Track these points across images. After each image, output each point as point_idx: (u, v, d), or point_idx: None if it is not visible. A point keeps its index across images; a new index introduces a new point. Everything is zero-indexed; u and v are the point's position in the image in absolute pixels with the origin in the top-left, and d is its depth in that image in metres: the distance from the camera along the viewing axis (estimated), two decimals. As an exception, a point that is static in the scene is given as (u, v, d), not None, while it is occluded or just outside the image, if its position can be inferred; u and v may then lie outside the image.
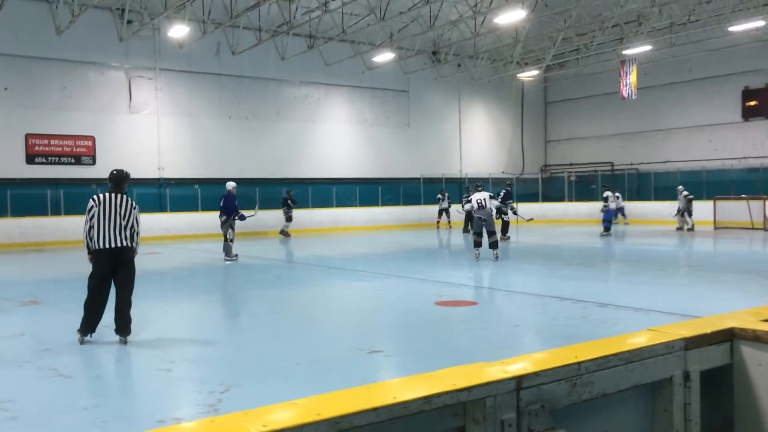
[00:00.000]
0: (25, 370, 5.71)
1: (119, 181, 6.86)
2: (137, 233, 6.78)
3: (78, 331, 6.59)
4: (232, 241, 14.59)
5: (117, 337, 6.60)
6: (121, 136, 22.64)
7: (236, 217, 14.38)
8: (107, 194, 6.68)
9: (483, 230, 14.06)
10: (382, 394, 1.58)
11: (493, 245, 14.01)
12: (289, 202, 23.34)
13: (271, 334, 7.34)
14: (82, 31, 21.35)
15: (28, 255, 17.99)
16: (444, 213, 26.46)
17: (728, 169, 27.05)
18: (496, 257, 13.97)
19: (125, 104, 23.04)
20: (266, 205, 24.15)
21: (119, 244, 6.55)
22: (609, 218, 21.15)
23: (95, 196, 6.66)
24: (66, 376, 5.53)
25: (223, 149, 24.90)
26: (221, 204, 14.45)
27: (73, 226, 20.75)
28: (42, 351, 6.41)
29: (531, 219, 21.03)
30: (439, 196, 26.67)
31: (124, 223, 6.59)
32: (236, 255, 14.87)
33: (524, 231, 23.19)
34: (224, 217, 14.36)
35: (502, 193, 18.99)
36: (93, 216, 6.59)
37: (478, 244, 14.27)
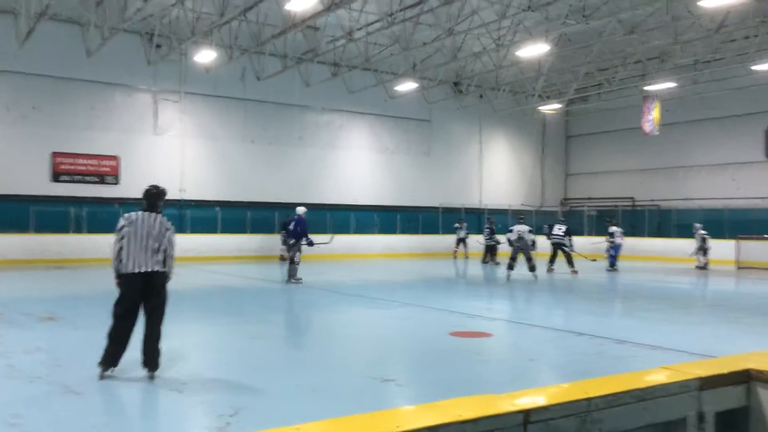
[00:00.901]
0: (36, 385, 5.75)
1: (154, 198, 6.27)
2: (171, 257, 6.17)
3: (99, 364, 5.89)
4: (298, 263, 14.89)
5: (142, 371, 5.98)
6: (145, 156, 22.97)
7: (306, 242, 14.70)
8: (140, 213, 6.14)
9: (517, 255, 17.06)
10: (387, 422, 1.57)
11: (532, 269, 16.97)
12: (288, 227, 23.43)
13: (285, 358, 7.32)
14: (111, 54, 21.82)
15: (48, 272, 18.19)
16: (462, 243, 26.35)
17: (752, 208, 26.70)
18: (536, 278, 16.94)
19: (150, 126, 23.41)
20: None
21: (150, 269, 5.97)
22: (616, 253, 21.04)
23: (126, 215, 6.13)
24: (77, 392, 5.54)
25: (245, 173, 25.13)
26: (291, 227, 14.83)
27: (95, 244, 21.04)
28: (55, 366, 6.45)
29: (594, 260, 22.34)
30: (457, 225, 26.60)
31: (156, 245, 6.02)
32: (301, 278, 15.12)
33: (541, 264, 23.03)
34: (293, 240, 14.71)
35: (564, 228, 20.15)
36: (123, 236, 6.01)
37: (511, 267, 17.16)
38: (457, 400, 1.78)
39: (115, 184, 22.63)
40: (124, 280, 6.01)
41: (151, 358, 5.97)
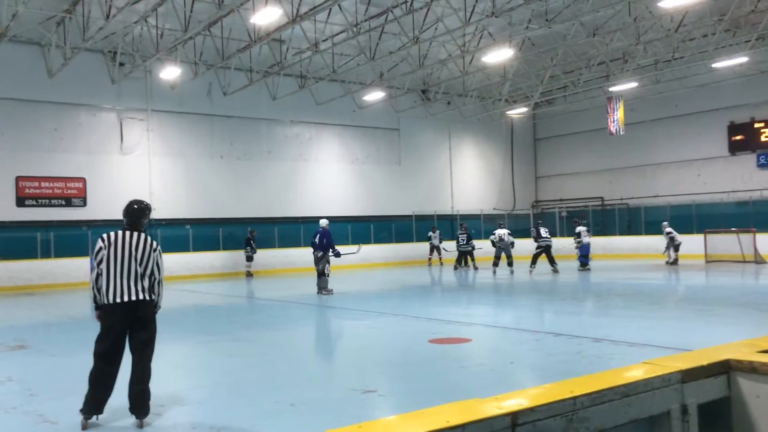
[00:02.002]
0: (11, 416, 5.59)
1: (137, 215, 5.44)
2: (160, 282, 5.39)
3: (81, 411, 5.10)
4: (329, 275, 15.24)
5: (130, 417, 5.23)
6: (112, 177, 22.64)
7: (333, 254, 15.02)
8: (120, 233, 5.31)
9: (502, 254, 20.67)
10: (375, 432, 1.55)
11: (510, 264, 20.62)
12: (252, 242, 23.45)
13: (263, 375, 7.23)
14: (74, 74, 21.51)
15: (17, 298, 17.78)
16: (435, 250, 26.51)
17: (717, 203, 27.25)
18: (512, 272, 20.06)
19: (116, 145, 23.09)
20: (259, 244, 24.12)
21: (135, 297, 5.14)
22: (585, 253, 21.37)
23: (105, 235, 5.28)
24: (52, 422, 5.40)
25: (215, 189, 24.91)
26: (316, 241, 15.06)
27: (63, 269, 20.68)
28: (29, 396, 6.28)
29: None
30: (431, 233, 26.76)
31: (141, 270, 5.21)
32: (332, 289, 15.38)
33: (517, 267, 23.22)
34: (321, 253, 15.00)
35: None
36: (102, 261, 5.19)
37: (495, 264, 20.86)
38: (444, 406, 1.76)
39: (83, 206, 22.25)
40: (104, 312, 5.17)
41: (139, 403, 5.15)
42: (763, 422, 2.19)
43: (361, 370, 7.52)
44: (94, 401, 5.10)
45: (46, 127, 21.79)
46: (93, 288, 5.25)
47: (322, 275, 15.24)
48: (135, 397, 5.15)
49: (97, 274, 5.20)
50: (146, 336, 5.25)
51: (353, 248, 16.20)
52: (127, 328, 5.18)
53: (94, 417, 5.16)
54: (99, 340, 5.19)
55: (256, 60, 23.78)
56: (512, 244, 20.91)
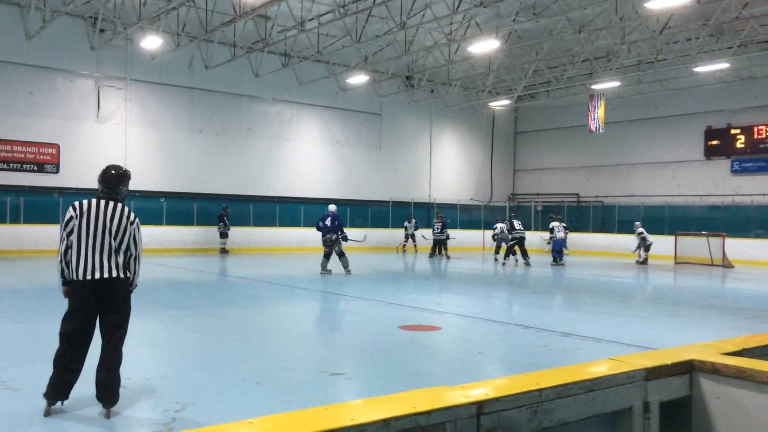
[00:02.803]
0: (-29, 382, 5.49)
1: (115, 182, 4.89)
2: (135, 258, 4.86)
3: (44, 395, 4.63)
4: (344, 254, 15.88)
5: (97, 406, 4.73)
6: (87, 145, 22.27)
7: (341, 236, 15.72)
8: (94, 201, 4.78)
9: (500, 246, 21.82)
10: (341, 415, 1.54)
11: (505, 256, 21.30)
12: (225, 218, 23.39)
13: (231, 353, 7.20)
14: (52, 38, 21.06)
15: (-17, 263, 17.46)
16: (411, 238, 26.70)
17: (690, 206, 27.68)
18: (504, 264, 20.83)
19: (93, 113, 22.70)
20: (233, 222, 23.99)
21: (107, 274, 4.65)
22: (558, 248, 21.65)
23: (76, 203, 4.76)
24: (14, 389, 5.33)
25: (192, 164, 24.64)
26: (328, 223, 15.64)
27: (32, 235, 20.35)
28: (-10, 362, 6.18)
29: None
30: (407, 223, 26.95)
31: (115, 244, 4.71)
32: (331, 269, 16.05)
33: (490, 260, 23.35)
34: (334, 236, 15.62)
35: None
36: (72, 231, 4.68)
37: (497, 253, 22.11)
38: (410, 392, 1.76)
39: (55, 172, 21.88)
40: (73, 288, 4.68)
41: (106, 391, 4.67)
42: (722, 422, 2.23)
43: (329, 352, 7.53)
44: (59, 385, 4.63)
45: (21, 91, 21.33)
46: (61, 261, 4.72)
47: (342, 255, 15.84)
48: (102, 383, 4.67)
49: (66, 246, 4.69)
50: (118, 318, 4.77)
51: (360, 236, 16.52)
52: (97, 308, 4.70)
53: (59, 402, 4.70)
54: (66, 319, 4.68)
55: (240, 35, 23.49)
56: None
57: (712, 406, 2.26)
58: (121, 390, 4.70)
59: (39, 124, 21.63)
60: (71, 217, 4.70)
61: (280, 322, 9.84)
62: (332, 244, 15.79)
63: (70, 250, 4.68)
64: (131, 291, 4.92)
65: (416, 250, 26.81)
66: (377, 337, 8.38)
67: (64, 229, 4.71)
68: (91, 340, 4.75)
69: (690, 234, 24.35)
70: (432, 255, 24.03)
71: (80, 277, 4.62)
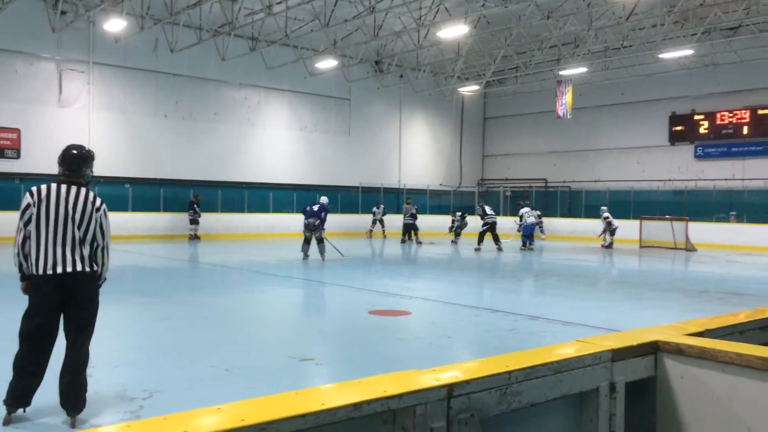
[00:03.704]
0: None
1: (77, 163, 4.34)
2: (103, 249, 4.36)
3: (4, 402, 4.22)
4: (323, 241, 16.06)
5: (62, 414, 4.30)
6: (48, 129, 21.73)
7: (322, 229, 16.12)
8: (54, 186, 4.26)
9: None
10: (311, 400, 1.54)
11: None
12: (195, 206, 23.20)
13: (200, 339, 7.15)
14: (11, 19, 20.44)
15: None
16: (379, 223, 26.78)
17: (654, 191, 28.18)
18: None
19: (55, 97, 22.15)
20: (202, 208, 23.71)
21: (71, 268, 4.16)
22: (527, 233, 21.91)
23: (34, 188, 4.24)
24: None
25: (158, 149, 24.25)
26: (315, 209, 15.97)
27: (-7, 221, 19.83)
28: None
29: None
30: (375, 209, 26.99)
31: (80, 234, 4.21)
32: (309, 256, 16.20)
33: (462, 245, 23.55)
34: (318, 221, 15.89)
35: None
36: (30, 220, 4.19)
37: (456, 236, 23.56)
38: (381, 376, 1.77)
39: (16, 158, 21.34)
40: (33, 284, 4.22)
41: (71, 397, 4.25)
42: (686, 401, 2.28)
43: (299, 338, 7.52)
44: (20, 391, 4.19)
45: (-21, 74, 20.72)
46: (18, 254, 4.22)
47: (321, 242, 15.96)
48: (66, 388, 4.24)
49: (24, 236, 4.20)
50: (84, 317, 4.29)
51: (343, 252, 17.08)
52: (60, 305, 4.22)
53: (20, 410, 4.26)
54: (26, 318, 4.21)
55: (206, 18, 23.09)
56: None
57: (676, 385, 2.31)
58: (87, 378, 4.40)
59: (-2, 109, 21.05)
60: (28, 205, 4.19)
61: (250, 308, 9.79)
62: (315, 229, 15.95)
63: (28, 242, 4.18)
64: (99, 286, 4.44)
65: (384, 236, 26.88)
66: (347, 323, 8.40)
67: (21, 218, 4.22)
68: (54, 341, 4.29)
69: (654, 218, 24.82)
70: (403, 240, 24.17)
71: (40, 271, 4.13)
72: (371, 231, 27.11)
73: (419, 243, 23.59)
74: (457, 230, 24.41)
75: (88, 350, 4.38)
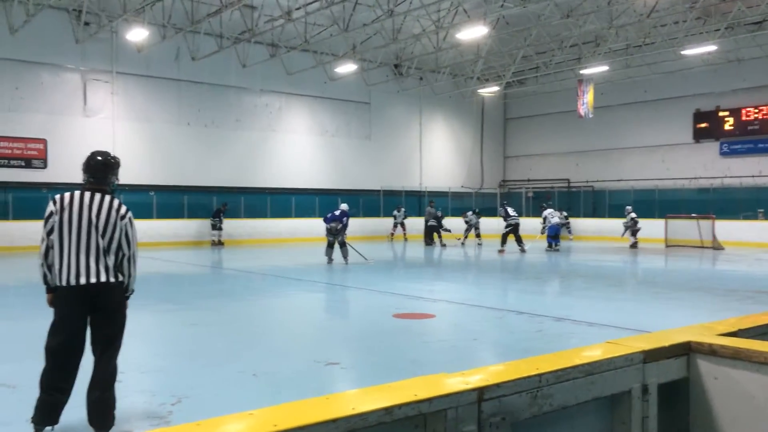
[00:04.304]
0: (-36, 380, 5.45)
1: (103, 170, 4.21)
2: (129, 259, 4.17)
3: (32, 420, 4.01)
4: (345, 244, 16.34)
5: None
6: (74, 139, 22.06)
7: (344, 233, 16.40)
8: (77, 194, 4.11)
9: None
10: (341, 405, 1.54)
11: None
12: (221, 214, 23.53)
13: (226, 345, 7.19)
14: (36, 32, 20.82)
15: (-28, 260, 17.33)
16: (401, 226, 26.83)
17: (680, 189, 27.80)
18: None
19: (80, 107, 22.50)
20: (225, 214, 23.92)
21: (95, 279, 3.98)
22: (552, 233, 21.72)
23: (57, 197, 4.09)
24: (10, 386, 5.30)
25: (181, 156, 24.50)
26: (337, 214, 16.23)
27: (22, 231, 20.19)
28: (-17, 360, 6.13)
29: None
30: (396, 212, 27.04)
31: (104, 243, 4.03)
32: (333, 260, 16.37)
33: (485, 246, 23.44)
34: (340, 225, 16.13)
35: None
36: (53, 229, 4.03)
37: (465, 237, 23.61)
38: (410, 380, 1.76)
39: (43, 168, 21.71)
40: (57, 296, 4.03)
41: (99, 414, 4.07)
42: (719, 403, 2.24)
43: (324, 342, 7.53)
44: (47, 408, 3.99)
45: (6, 86, 21.10)
46: (42, 264, 4.05)
47: (344, 245, 16.23)
48: (94, 406, 4.05)
49: (47, 246, 4.03)
50: (111, 331, 4.11)
51: (366, 255, 17.19)
52: (86, 318, 4.04)
53: (48, 428, 4.05)
54: (51, 332, 4.01)
55: (227, 26, 23.30)
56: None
57: (709, 386, 2.27)
58: (117, 384, 4.30)
59: (25, 120, 21.41)
60: (51, 213, 4.04)
61: (275, 313, 9.84)
62: (337, 234, 16.18)
63: (51, 251, 4.02)
64: (127, 298, 4.23)
65: (406, 239, 26.91)
66: (372, 326, 8.39)
67: (44, 227, 4.07)
68: (81, 356, 4.09)
69: (680, 217, 24.48)
70: (427, 243, 24.20)
71: (64, 282, 3.95)
72: (393, 234, 27.18)
73: (443, 245, 23.52)
74: (476, 231, 24.23)
75: (116, 365, 4.20)
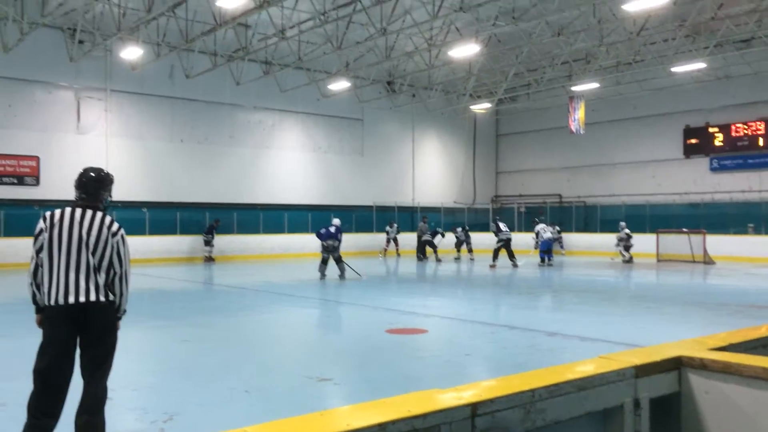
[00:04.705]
0: (-46, 398, 5.40)
1: (95, 186, 4.08)
2: (121, 278, 4.00)
3: None
4: (341, 260, 16.48)
5: None
6: (67, 156, 22.01)
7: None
8: (68, 210, 3.97)
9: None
10: (335, 421, 1.54)
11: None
12: (213, 230, 23.59)
13: (218, 361, 7.16)
14: (30, 50, 20.85)
15: (-38, 278, 17.20)
16: (393, 242, 26.87)
17: (670, 204, 27.96)
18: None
19: (73, 125, 22.49)
20: (218, 230, 23.90)
21: (84, 298, 3.81)
22: (545, 249, 21.76)
23: (47, 214, 3.95)
24: (0, 404, 5.26)
25: (174, 173, 24.49)
26: (332, 230, 16.29)
27: (14, 248, 20.07)
28: (-26, 378, 6.08)
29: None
30: (388, 228, 27.10)
31: (94, 260, 3.87)
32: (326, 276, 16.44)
33: (477, 261, 23.45)
34: (337, 242, 16.31)
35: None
36: (42, 247, 3.88)
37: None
38: (404, 396, 1.77)
39: (36, 185, 21.64)
40: (46, 316, 3.85)
41: None
42: (711, 417, 2.26)
43: (317, 358, 7.51)
44: None
45: (0, 103, 21.08)
46: (31, 284, 3.90)
47: (340, 261, 16.37)
48: (82, 430, 3.86)
49: (36, 264, 3.88)
50: (101, 352, 3.92)
51: (359, 271, 17.14)
52: (75, 339, 3.86)
53: None
54: (40, 354, 3.82)
55: (221, 44, 23.40)
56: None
57: (701, 401, 2.29)
58: (108, 401, 4.10)
59: (18, 137, 21.38)
60: (41, 230, 3.88)
61: (267, 329, 9.80)
62: (333, 250, 16.24)
63: (40, 270, 3.86)
64: (119, 318, 4.05)
65: (398, 254, 26.95)
66: (364, 342, 8.38)
67: (34, 245, 3.91)
68: (70, 378, 3.88)
69: (671, 232, 24.60)
70: (420, 258, 24.29)
71: (52, 301, 3.78)
72: (385, 250, 27.20)
73: (438, 260, 23.62)
74: (468, 247, 24.38)
75: (105, 387, 4.00)
